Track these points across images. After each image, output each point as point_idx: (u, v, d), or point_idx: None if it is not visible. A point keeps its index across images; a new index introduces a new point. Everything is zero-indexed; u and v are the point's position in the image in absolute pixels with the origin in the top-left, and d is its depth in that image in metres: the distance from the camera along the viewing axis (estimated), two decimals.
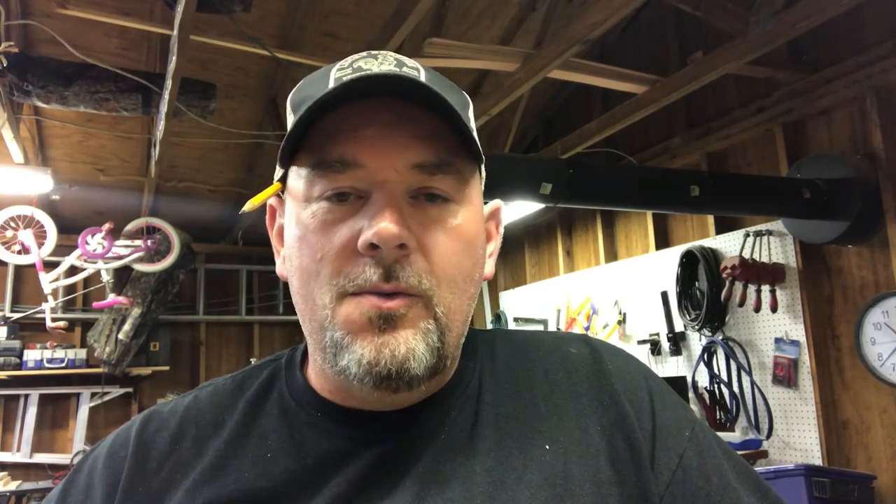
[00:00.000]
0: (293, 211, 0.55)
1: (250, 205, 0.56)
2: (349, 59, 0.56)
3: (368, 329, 0.51)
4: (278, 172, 0.58)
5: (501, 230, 0.65)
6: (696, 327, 3.34)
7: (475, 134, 0.56)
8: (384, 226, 0.49)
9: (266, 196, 0.57)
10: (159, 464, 0.57)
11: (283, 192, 0.58)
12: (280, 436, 0.57)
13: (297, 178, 0.55)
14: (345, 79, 0.52)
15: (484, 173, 0.61)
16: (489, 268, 0.61)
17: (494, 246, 0.63)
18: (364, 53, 0.57)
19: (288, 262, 0.57)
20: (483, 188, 0.61)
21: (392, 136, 0.52)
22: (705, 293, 3.28)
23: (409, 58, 0.57)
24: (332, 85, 0.53)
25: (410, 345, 0.51)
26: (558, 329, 4.45)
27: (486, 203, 0.62)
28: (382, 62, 0.55)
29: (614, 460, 0.55)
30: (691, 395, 3.33)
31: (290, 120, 0.58)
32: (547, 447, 0.55)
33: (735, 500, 0.56)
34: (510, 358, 0.63)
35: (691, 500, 0.55)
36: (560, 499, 0.52)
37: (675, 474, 0.56)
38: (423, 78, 0.54)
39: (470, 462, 0.54)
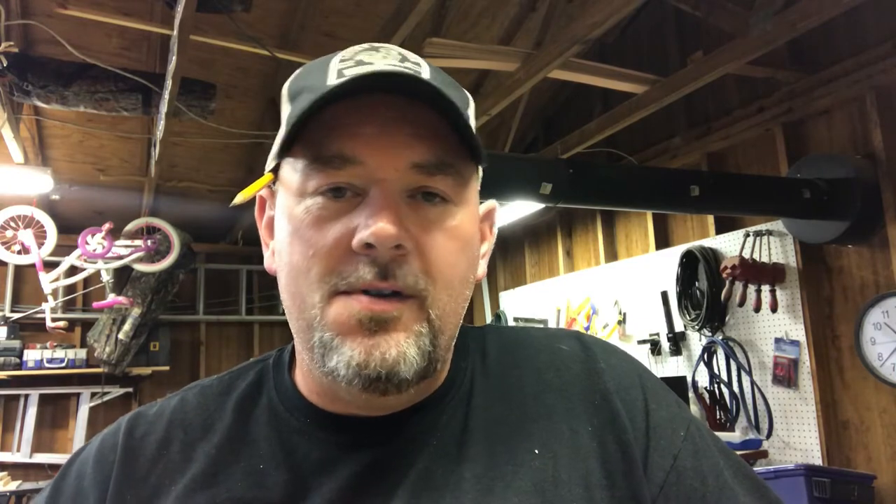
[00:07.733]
0: (286, 204, 0.54)
1: (241, 197, 0.55)
2: (351, 51, 0.55)
3: (358, 331, 0.49)
4: (270, 163, 0.56)
5: (495, 231, 0.64)
6: (696, 327, 3.34)
7: (476, 134, 0.54)
8: (381, 226, 0.48)
9: (258, 188, 0.56)
10: (148, 470, 0.56)
11: (274, 183, 0.57)
12: (271, 444, 0.56)
13: (293, 170, 0.53)
14: (346, 72, 0.51)
15: (481, 173, 0.59)
16: (481, 269, 0.60)
17: (487, 247, 0.62)
18: (367, 46, 0.55)
19: (278, 256, 0.55)
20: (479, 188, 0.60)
21: (393, 133, 0.50)
22: (705, 293, 3.28)
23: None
24: (333, 77, 0.52)
25: (402, 348, 0.49)
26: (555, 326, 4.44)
27: (481, 203, 0.61)
28: (386, 56, 0.53)
29: (605, 462, 0.54)
30: (691, 395, 3.33)
31: (286, 109, 0.56)
32: (536, 451, 0.54)
33: (732, 501, 0.55)
34: (501, 356, 0.62)
35: (686, 501, 0.55)
36: None
37: (669, 476, 0.55)
38: (425, 74, 0.53)
39: (460, 469, 0.53)
